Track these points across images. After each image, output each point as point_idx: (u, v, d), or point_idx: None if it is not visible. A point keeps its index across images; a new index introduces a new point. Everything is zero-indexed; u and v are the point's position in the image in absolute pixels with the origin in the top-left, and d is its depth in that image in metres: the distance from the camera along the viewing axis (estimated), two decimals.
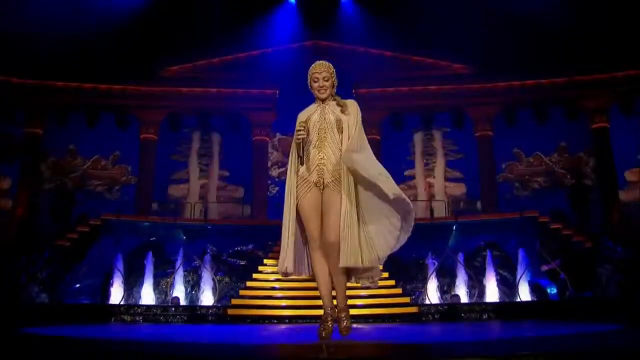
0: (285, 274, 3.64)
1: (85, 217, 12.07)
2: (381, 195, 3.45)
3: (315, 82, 3.79)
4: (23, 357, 2.77)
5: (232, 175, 14.77)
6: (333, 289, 3.60)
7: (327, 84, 3.77)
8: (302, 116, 3.79)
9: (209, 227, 11.82)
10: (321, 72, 3.78)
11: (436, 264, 9.79)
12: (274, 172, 14.92)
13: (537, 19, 12.77)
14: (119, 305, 8.71)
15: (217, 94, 14.32)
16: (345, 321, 3.53)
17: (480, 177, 13.99)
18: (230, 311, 8.43)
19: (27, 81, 13.59)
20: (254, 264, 9.75)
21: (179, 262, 10.21)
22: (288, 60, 12.97)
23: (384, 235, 3.53)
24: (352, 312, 7.93)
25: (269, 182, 14.67)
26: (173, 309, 8.67)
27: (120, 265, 9.92)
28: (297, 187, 3.65)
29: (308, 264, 3.71)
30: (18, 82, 13.53)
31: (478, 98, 14.06)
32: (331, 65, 3.84)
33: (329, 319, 3.54)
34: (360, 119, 3.78)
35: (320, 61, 3.84)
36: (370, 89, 13.80)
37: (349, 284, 3.65)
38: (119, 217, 11.76)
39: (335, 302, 3.62)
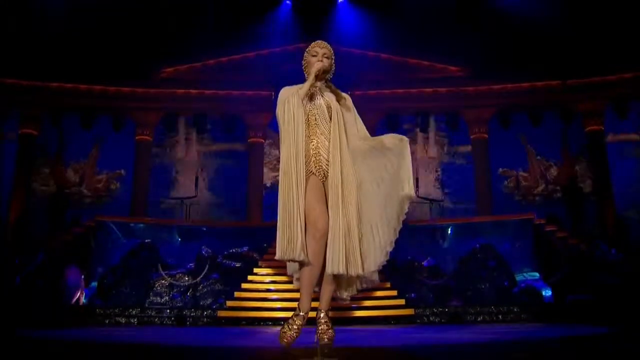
0: (296, 261, 3.24)
1: (79, 218, 12.04)
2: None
3: (313, 56, 3.53)
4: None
5: (227, 177, 14.75)
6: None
7: (326, 62, 3.53)
8: (286, 93, 3.48)
9: (204, 228, 11.80)
10: (322, 48, 3.53)
11: (432, 265, 9.79)
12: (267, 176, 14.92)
13: (531, 22, 12.82)
14: (113, 308, 8.67)
15: (213, 95, 14.31)
16: (329, 327, 3.20)
17: (475, 180, 14.02)
18: (225, 313, 8.42)
19: (22, 82, 13.53)
20: (249, 266, 9.73)
21: (174, 264, 10.20)
22: (284, 62, 12.97)
23: (387, 215, 3.32)
24: (345, 314, 7.99)
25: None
26: (168, 310, 8.64)
27: (114, 266, 9.91)
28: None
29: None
30: (12, 82, 13.47)
31: (473, 100, 14.10)
32: (332, 49, 3.58)
33: (299, 323, 3.22)
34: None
35: (322, 41, 3.58)
36: (366, 91, 13.80)
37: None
38: (114, 219, 11.74)
39: (319, 304, 3.30)
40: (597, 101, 13.59)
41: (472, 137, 14.29)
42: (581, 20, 12.59)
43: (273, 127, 14.29)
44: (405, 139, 3.48)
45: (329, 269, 3.19)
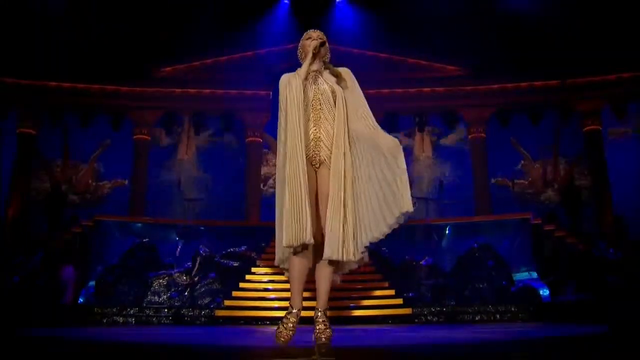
0: (304, 246, 3.21)
1: (77, 218, 12.02)
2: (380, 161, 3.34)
3: (308, 39, 3.60)
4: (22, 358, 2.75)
5: (225, 177, 14.74)
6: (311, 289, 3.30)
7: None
8: (287, 78, 3.48)
9: (202, 228, 11.79)
10: (315, 32, 3.61)
11: (430, 265, 9.79)
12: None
13: (531, 21, 12.82)
14: (111, 307, 8.66)
15: (211, 94, 14.29)
16: (326, 327, 3.17)
17: (473, 179, 14.01)
18: (222, 312, 8.41)
19: (21, 81, 13.50)
20: (247, 266, 9.72)
21: (172, 263, 10.20)
22: (282, 61, 12.95)
23: (376, 215, 3.28)
24: (343, 313, 7.99)
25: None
26: (166, 310, 8.63)
27: (113, 265, 9.90)
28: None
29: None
30: (11, 82, 13.44)
31: (472, 100, 14.09)
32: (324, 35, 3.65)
33: (293, 321, 3.21)
34: (359, 86, 3.63)
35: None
36: (365, 91, 13.77)
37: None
38: (112, 218, 11.73)
39: (316, 303, 3.26)
40: (594, 101, 13.60)
41: (470, 136, 14.29)
42: (580, 19, 12.58)
43: (267, 129, 14.27)
44: (399, 145, 3.39)
45: (326, 254, 3.17)
